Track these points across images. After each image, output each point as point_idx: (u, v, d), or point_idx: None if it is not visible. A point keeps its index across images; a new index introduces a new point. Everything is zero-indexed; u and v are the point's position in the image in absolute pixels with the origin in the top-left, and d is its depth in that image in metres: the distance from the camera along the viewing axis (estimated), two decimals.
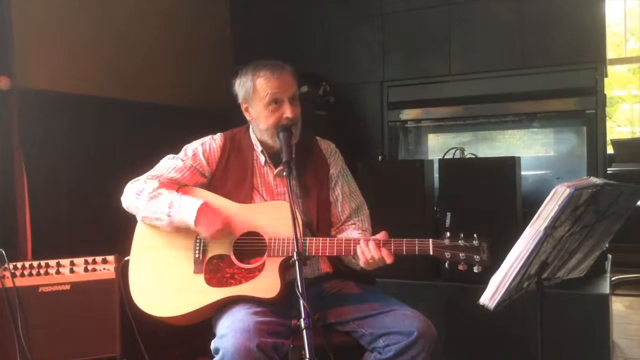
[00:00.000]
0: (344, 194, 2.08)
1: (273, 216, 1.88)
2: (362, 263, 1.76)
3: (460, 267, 1.71)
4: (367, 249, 1.74)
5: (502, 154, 3.60)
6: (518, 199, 2.74)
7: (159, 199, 1.88)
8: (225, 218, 1.87)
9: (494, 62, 3.36)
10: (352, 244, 1.80)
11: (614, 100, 8.85)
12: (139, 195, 1.91)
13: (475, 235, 1.72)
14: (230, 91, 2.06)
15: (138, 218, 1.96)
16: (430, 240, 1.74)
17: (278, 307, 1.80)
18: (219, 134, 2.10)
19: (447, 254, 1.72)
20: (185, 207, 1.85)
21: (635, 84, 9.32)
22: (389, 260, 1.73)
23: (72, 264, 2.33)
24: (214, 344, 1.68)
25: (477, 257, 1.69)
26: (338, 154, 2.15)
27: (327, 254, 1.85)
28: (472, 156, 3.26)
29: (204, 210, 1.85)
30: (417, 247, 1.74)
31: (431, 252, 1.73)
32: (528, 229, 1.46)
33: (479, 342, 2.68)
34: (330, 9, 3.80)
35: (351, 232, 2.01)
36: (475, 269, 1.70)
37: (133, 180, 2.00)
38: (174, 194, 1.90)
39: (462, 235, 1.72)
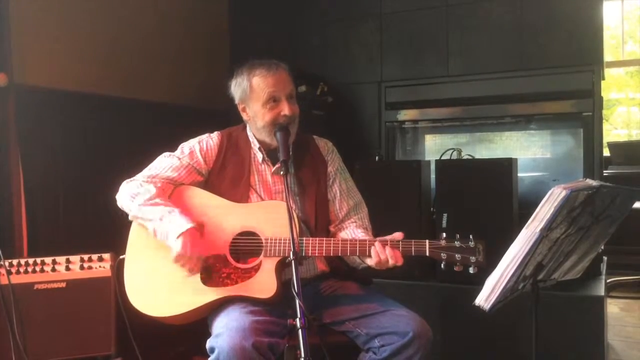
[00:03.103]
0: (342, 191, 2.08)
1: (270, 216, 1.87)
2: (374, 263, 1.76)
3: (456, 268, 1.73)
4: (382, 250, 1.74)
5: (499, 155, 3.62)
6: (514, 201, 2.74)
7: (148, 212, 1.86)
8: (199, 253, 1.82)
9: (492, 64, 3.37)
10: (348, 245, 1.80)
11: (610, 102, 8.87)
12: (133, 199, 1.90)
13: (471, 237, 1.73)
14: (227, 92, 2.06)
15: (131, 219, 1.96)
16: (427, 241, 1.75)
17: (274, 307, 1.80)
18: (216, 132, 2.10)
19: (444, 255, 1.72)
20: (164, 232, 1.82)
21: (632, 87, 9.35)
22: (399, 261, 1.73)
23: (67, 261, 2.33)
24: (209, 343, 1.68)
25: (472, 259, 1.70)
26: (335, 152, 2.15)
27: (324, 255, 1.85)
28: (469, 157, 3.27)
29: (187, 236, 1.79)
30: (413, 248, 1.75)
31: (427, 253, 1.74)
32: (524, 230, 1.46)
33: (474, 343, 2.69)
34: (328, 9, 3.80)
35: (353, 231, 2.01)
36: (471, 270, 1.71)
37: (129, 179, 1.99)
38: (162, 211, 1.85)
39: (458, 236, 1.74)
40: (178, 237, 1.78)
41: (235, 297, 1.81)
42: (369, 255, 1.77)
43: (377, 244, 1.76)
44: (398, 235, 1.77)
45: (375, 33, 3.67)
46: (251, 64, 1.99)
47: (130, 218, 1.96)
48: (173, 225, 1.81)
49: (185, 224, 1.81)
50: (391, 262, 1.73)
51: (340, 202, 2.07)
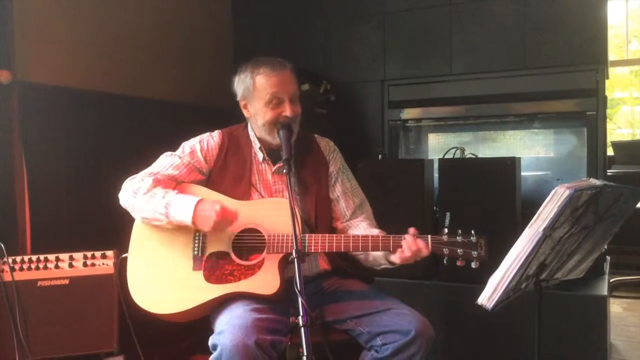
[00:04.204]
0: (346, 189, 2.09)
1: (272, 213, 1.88)
2: (398, 259, 1.76)
3: (459, 263, 1.73)
4: (414, 242, 1.73)
5: (502, 154, 3.61)
6: (518, 200, 2.74)
7: (155, 199, 1.86)
8: (222, 210, 1.81)
9: (495, 62, 3.36)
10: (351, 241, 1.81)
11: (614, 102, 8.84)
12: (136, 194, 1.90)
13: (472, 232, 1.74)
14: (230, 89, 2.06)
15: (135, 217, 1.96)
16: (429, 236, 1.76)
17: (276, 305, 1.81)
18: (217, 131, 2.10)
19: (446, 250, 1.73)
20: (181, 207, 1.83)
21: (636, 86, 9.31)
22: (425, 251, 1.73)
23: (71, 258, 2.34)
24: (211, 341, 1.68)
25: (474, 253, 1.71)
26: (337, 152, 2.15)
27: (327, 250, 1.86)
28: (472, 156, 3.26)
29: (200, 207, 1.82)
30: None
31: (430, 248, 1.74)
32: (527, 229, 1.46)
33: (477, 342, 2.68)
34: (331, 8, 3.80)
35: (366, 230, 2.01)
36: (473, 265, 1.72)
37: (130, 177, 1.99)
38: (169, 193, 1.87)
39: (459, 231, 1.74)
40: (193, 221, 1.80)
41: (239, 293, 1.82)
42: (382, 249, 1.79)
43: (408, 236, 1.75)
44: (412, 231, 1.78)
45: (379, 31, 3.67)
46: (256, 61, 1.99)
47: (138, 220, 1.95)
48: (180, 211, 1.82)
49: (191, 204, 1.82)
50: (414, 248, 1.72)
51: (347, 201, 2.07)
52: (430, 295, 2.78)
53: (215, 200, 1.86)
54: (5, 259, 2.26)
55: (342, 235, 1.85)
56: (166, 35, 3.39)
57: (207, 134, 2.09)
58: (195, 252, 1.90)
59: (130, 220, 1.98)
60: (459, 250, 1.72)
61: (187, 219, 1.82)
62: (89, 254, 2.35)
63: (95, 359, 2.31)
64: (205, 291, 1.84)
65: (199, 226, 1.84)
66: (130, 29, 3.15)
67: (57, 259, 2.32)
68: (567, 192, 1.39)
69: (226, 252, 1.88)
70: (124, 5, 3.12)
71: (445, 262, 1.75)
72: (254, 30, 3.92)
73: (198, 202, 1.82)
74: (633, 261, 4.34)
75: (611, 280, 3.58)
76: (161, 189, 1.90)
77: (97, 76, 2.92)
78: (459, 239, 1.73)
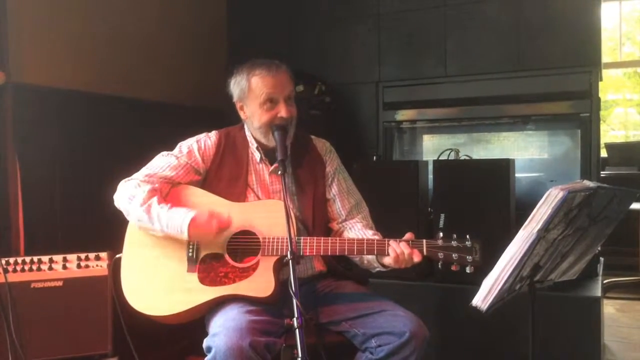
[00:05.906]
0: (342, 190, 2.09)
1: (267, 215, 1.87)
2: (392, 262, 1.77)
3: (453, 268, 1.74)
4: (398, 246, 1.75)
5: (496, 156, 3.62)
6: (512, 201, 2.74)
7: (151, 213, 1.85)
8: (217, 224, 1.83)
9: (490, 64, 3.37)
10: (346, 244, 1.81)
11: (608, 104, 8.88)
12: (131, 201, 1.89)
13: (467, 236, 1.74)
14: (225, 89, 2.06)
15: (130, 220, 1.95)
16: (424, 240, 1.76)
17: (271, 306, 1.80)
18: (213, 132, 2.10)
19: (441, 255, 1.74)
20: (175, 225, 1.82)
21: (629, 88, 9.36)
22: (417, 258, 1.74)
23: (64, 260, 2.32)
24: (206, 343, 1.68)
25: (469, 258, 1.72)
26: (333, 152, 2.16)
27: (322, 254, 1.86)
28: (467, 158, 3.27)
29: (194, 225, 1.81)
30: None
31: (425, 252, 1.75)
32: (521, 231, 1.46)
33: (471, 344, 2.69)
34: (326, 9, 3.80)
35: (362, 231, 2.01)
36: (468, 270, 1.72)
37: (126, 179, 1.98)
38: (163, 210, 1.85)
39: (454, 236, 1.75)
40: (189, 235, 1.81)
41: (233, 296, 1.81)
42: (377, 253, 1.79)
43: (391, 241, 1.76)
44: (407, 236, 1.79)
45: (373, 33, 3.67)
46: (252, 63, 1.99)
47: (132, 223, 1.95)
48: (176, 226, 1.82)
49: (185, 218, 1.81)
50: (407, 252, 1.73)
51: (342, 201, 2.07)
52: (425, 296, 2.78)
53: (209, 213, 1.84)
54: None
55: (337, 238, 1.84)
56: (160, 36, 3.38)
57: (204, 134, 2.09)
58: (190, 254, 1.89)
59: (124, 221, 1.97)
60: (454, 255, 1.73)
61: (183, 237, 1.82)
62: (82, 255, 2.34)
63: None
64: (199, 293, 1.83)
65: (197, 240, 1.87)
66: (124, 30, 3.14)
67: (51, 261, 2.31)
68: (561, 194, 1.40)
69: (221, 254, 1.88)
70: (118, 7, 3.11)
71: (440, 266, 1.75)
72: (249, 31, 3.91)
73: (192, 220, 1.81)
74: (626, 262, 4.36)
75: (605, 282, 3.60)
76: (156, 201, 1.88)
77: (91, 77, 2.91)
78: (453, 243, 1.73)
